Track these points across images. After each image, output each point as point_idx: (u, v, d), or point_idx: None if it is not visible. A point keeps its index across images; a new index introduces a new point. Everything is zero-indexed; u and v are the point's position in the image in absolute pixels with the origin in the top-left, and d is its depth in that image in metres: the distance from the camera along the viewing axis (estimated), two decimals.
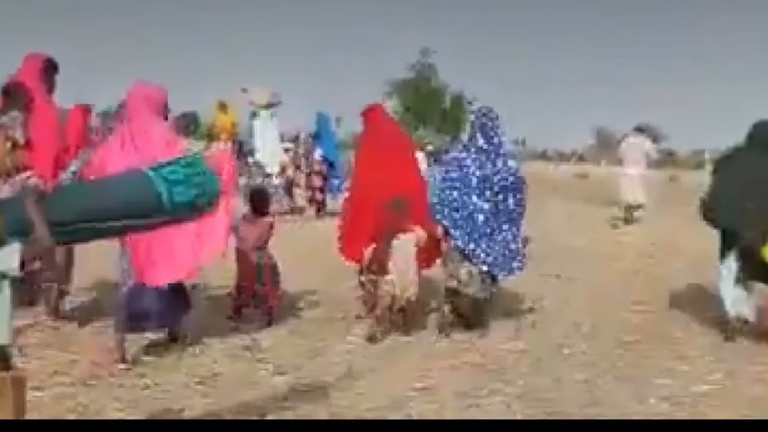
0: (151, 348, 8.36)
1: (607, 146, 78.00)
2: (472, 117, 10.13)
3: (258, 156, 23.08)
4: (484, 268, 9.19)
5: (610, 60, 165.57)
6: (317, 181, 22.81)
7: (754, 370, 8.31)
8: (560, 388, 7.61)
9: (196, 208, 4.23)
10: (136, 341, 8.30)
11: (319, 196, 22.83)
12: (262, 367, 8.01)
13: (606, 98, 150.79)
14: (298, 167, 23.55)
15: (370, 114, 10.25)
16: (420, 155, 15.79)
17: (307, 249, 14.62)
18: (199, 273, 8.48)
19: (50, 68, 9.37)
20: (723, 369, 8.31)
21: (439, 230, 9.33)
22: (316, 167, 22.78)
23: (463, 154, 9.42)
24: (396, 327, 9.33)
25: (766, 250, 8.78)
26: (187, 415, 6.66)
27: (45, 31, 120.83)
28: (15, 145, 8.00)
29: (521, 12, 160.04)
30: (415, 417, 6.75)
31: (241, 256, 9.62)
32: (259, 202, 10.00)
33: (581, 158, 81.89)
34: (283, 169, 23.20)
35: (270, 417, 6.62)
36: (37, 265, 7.61)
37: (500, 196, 9.22)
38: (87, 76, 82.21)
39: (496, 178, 9.19)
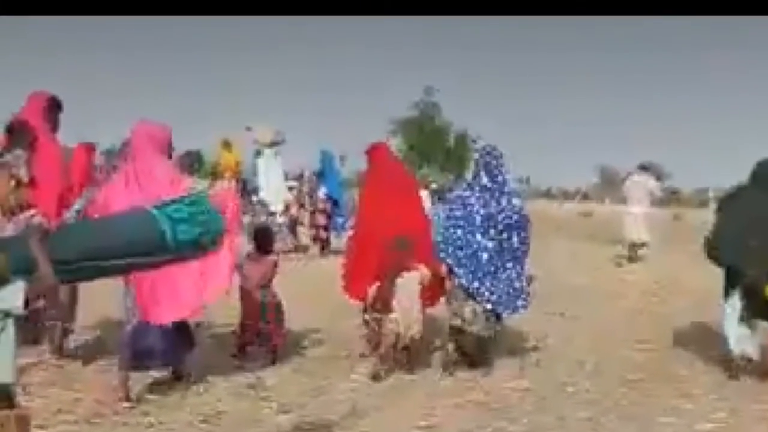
0: (155, 386, 8.35)
1: (611, 184, 78.02)
2: (476, 155, 10.15)
3: (262, 194, 23.09)
4: (488, 306, 9.19)
5: (613, 99, 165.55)
6: (321, 220, 22.82)
7: (758, 409, 8.29)
8: (564, 427, 7.60)
9: (200, 246, 4.24)
10: (140, 379, 8.30)
11: (323, 234, 22.84)
12: (266, 406, 7.99)
13: (610, 137, 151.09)
14: (302, 205, 23.57)
15: (374, 152, 10.28)
16: (424, 193, 15.83)
17: (311, 287, 14.60)
18: (203, 311, 8.48)
19: (54, 107, 9.41)
20: (727, 407, 8.29)
21: (443, 269, 9.33)
22: (320, 205, 22.81)
23: (467, 193, 9.44)
24: (400, 365, 9.32)
25: None
26: None
27: (48, 70, 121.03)
28: (19, 183, 7.99)
29: (525, 51, 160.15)
30: None
31: (245, 294, 9.62)
32: (263, 240, 10.01)
33: (585, 196, 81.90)
34: (287, 208, 23.22)
35: None
36: (41, 303, 7.58)
37: (504, 235, 9.23)
38: (91, 115, 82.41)
39: (500, 217, 9.20)
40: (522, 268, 9.50)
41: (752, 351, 9.22)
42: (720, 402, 8.50)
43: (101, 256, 3.94)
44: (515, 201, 9.43)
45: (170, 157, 8.51)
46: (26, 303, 3.78)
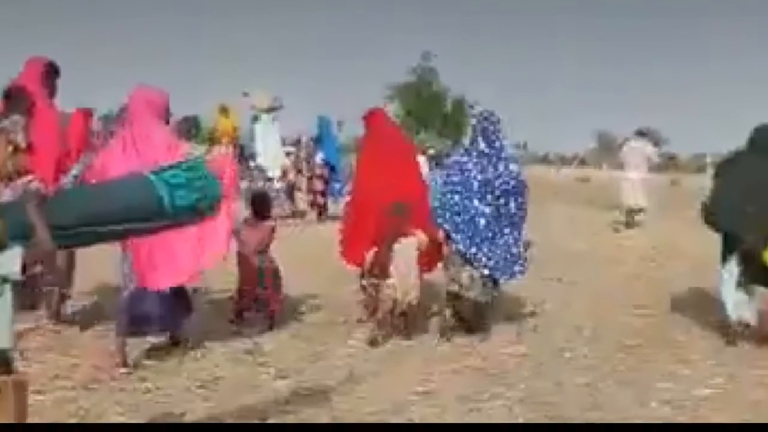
0: (153, 352, 8.36)
1: (608, 150, 77.77)
2: (473, 121, 10.14)
3: (259, 160, 23.03)
4: (486, 272, 9.19)
5: (611, 63, 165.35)
6: (319, 185, 22.78)
7: (755, 374, 8.31)
8: (562, 392, 7.61)
9: (198, 211, 4.23)
10: (137, 345, 8.30)
11: (320, 199, 22.80)
12: (264, 371, 8.01)
13: (608, 102, 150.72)
14: (299, 171, 23.52)
15: (372, 118, 10.26)
16: (421, 159, 15.82)
17: (308, 253, 14.60)
18: (200, 277, 8.46)
19: (51, 72, 9.37)
20: (724, 373, 8.31)
21: (441, 234, 9.33)
22: (318, 171, 22.75)
23: (465, 158, 9.41)
24: (397, 331, 9.33)
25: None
26: (188, 419, 6.66)
27: (46, 35, 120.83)
28: (16, 149, 7.97)
29: (522, 15, 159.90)
30: (416, 421, 6.75)
31: (242, 259, 9.62)
32: (260, 205, 10.00)
33: (583, 162, 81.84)
34: (284, 173, 23.17)
35: (271, 421, 6.63)
36: (38, 268, 7.59)
37: (502, 200, 9.21)
38: (88, 80, 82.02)
39: (497, 182, 9.18)
40: (519, 234, 9.49)
41: (750, 316, 9.23)
42: (717, 367, 8.52)
43: (99, 221, 3.94)
44: (512, 166, 9.41)
45: (167, 122, 8.50)
46: (24, 268, 3.78)
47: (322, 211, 22.61)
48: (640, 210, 22.33)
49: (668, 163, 67.88)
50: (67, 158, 8.88)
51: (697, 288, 12.12)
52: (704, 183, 13.04)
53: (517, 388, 7.67)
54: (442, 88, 64.59)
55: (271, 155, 22.78)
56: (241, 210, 10.19)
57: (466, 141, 10.33)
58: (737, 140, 10.10)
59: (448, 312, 9.44)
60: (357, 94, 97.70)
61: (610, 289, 12.73)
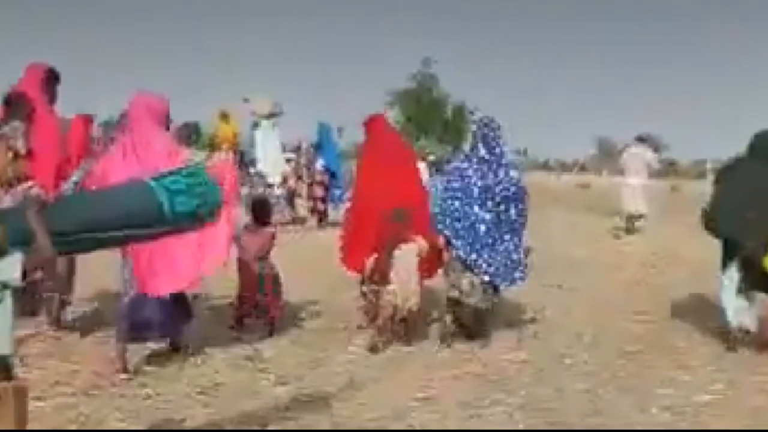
0: (153, 358, 8.36)
1: (608, 156, 77.99)
2: (473, 127, 10.13)
3: (260, 166, 23.09)
4: (486, 278, 9.19)
5: (611, 69, 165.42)
6: (319, 191, 22.81)
7: (755, 380, 8.30)
8: (562, 398, 7.61)
9: (198, 218, 4.24)
10: (137, 351, 8.31)
11: (320, 206, 22.83)
12: (264, 377, 8.00)
13: (608, 108, 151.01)
14: (299, 177, 23.52)
15: (372, 124, 10.27)
16: (422, 165, 15.83)
17: (308, 259, 14.61)
18: (200, 283, 8.46)
19: (52, 78, 9.38)
20: (725, 379, 8.31)
21: (441, 240, 9.33)
22: (318, 177, 22.78)
23: (465, 164, 9.41)
24: (398, 337, 9.33)
25: None
26: (188, 425, 6.66)
27: (46, 41, 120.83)
28: (17, 155, 7.99)
29: (523, 21, 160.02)
30: (417, 427, 6.75)
31: (242, 266, 9.63)
32: (260, 212, 10.01)
33: (583, 168, 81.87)
34: (284, 179, 23.21)
35: (272, 427, 6.63)
36: (38, 275, 7.62)
37: (502, 207, 9.21)
38: (89, 86, 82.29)
39: (497, 188, 9.18)
40: (519, 240, 9.49)
41: (750, 323, 9.23)
42: (718, 374, 8.51)
43: (99, 227, 3.94)
44: (513, 173, 9.41)
45: (168, 128, 8.50)
46: (24, 275, 3.78)
47: (322, 218, 22.63)
48: (641, 216, 22.35)
49: (668, 169, 68.05)
50: (68, 164, 8.88)
51: (697, 294, 12.11)
52: (704, 189, 13.00)
53: (518, 394, 7.66)
54: (443, 95, 64.82)
55: (271, 161, 22.84)
56: (242, 216, 10.23)
57: (466, 147, 10.34)
58: (737, 146, 10.14)
59: (448, 318, 9.44)
60: (357, 101, 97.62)
61: (610, 296, 12.73)
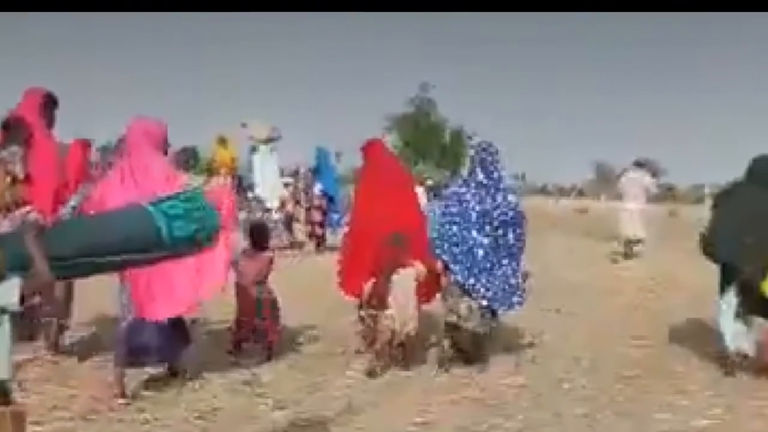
0: (151, 383, 8.35)
1: (606, 181, 77.76)
2: (471, 152, 10.12)
3: (258, 191, 23.09)
4: (484, 302, 9.19)
5: (609, 94, 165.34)
6: (317, 216, 22.82)
7: (753, 405, 8.30)
8: (560, 423, 7.60)
9: (196, 242, 4.24)
10: (135, 376, 8.30)
11: (318, 230, 22.82)
12: (262, 402, 8.00)
13: (605, 133, 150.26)
14: (297, 202, 23.58)
15: (370, 149, 10.28)
16: (419, 190, 15.83)
17: (306, 284, 14.61)
18: (198, 307, 8.46)
19: (50, 103, 9.39)
20: (723, 404, 8.30)
21: (439, 265, 9.33)
22: (316, 202, 22.80)
23: (463, 189, 9.43)
24: (396, 362, 9.32)
25: (766, 285, 8.79)
26: None
27: (44, 66, 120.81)
28: (15, 179, 8.01)
29: (520, 47, 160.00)
30: None
31: (240, 290, 9.62)
32: (258, 236, 10.02)
33: (581, 193, 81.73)
34: (282, 204, 23.22)
35: None
36: (36, 299, 7.52)
37: (500, 231, 9.22)
38: (87, 111, 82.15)
39: (495, 213, 9.19)
40: (518, 265, 9.49)
41: (748, 347, 9.22)
42: (716, 398, 8.51)
43: (97, 252, 3.94)
44: (511, 197, 9.43)
45: (166, 153, 8.51)
46: (22, 299, 3.77)
47: (320, 242, 22.62)
48: (639, 241, 22.36)
49: (666, 193, 67.92)
50: (66, 189, 8.88)
51: (695, 319, 12.11)
52: (703, 214, 13.01)
53: (516, 418, 7.66)
54: (440, 119, 64.90)
55: (269, 186, 22.84)
56: (240, 241, 10.19)
57: (464, 172, 10.35)
58: (736, 171, 10.13)
59: (446, 343, 9.44)
60: (355, 125, 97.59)
61: (608, 320, 12.73)
